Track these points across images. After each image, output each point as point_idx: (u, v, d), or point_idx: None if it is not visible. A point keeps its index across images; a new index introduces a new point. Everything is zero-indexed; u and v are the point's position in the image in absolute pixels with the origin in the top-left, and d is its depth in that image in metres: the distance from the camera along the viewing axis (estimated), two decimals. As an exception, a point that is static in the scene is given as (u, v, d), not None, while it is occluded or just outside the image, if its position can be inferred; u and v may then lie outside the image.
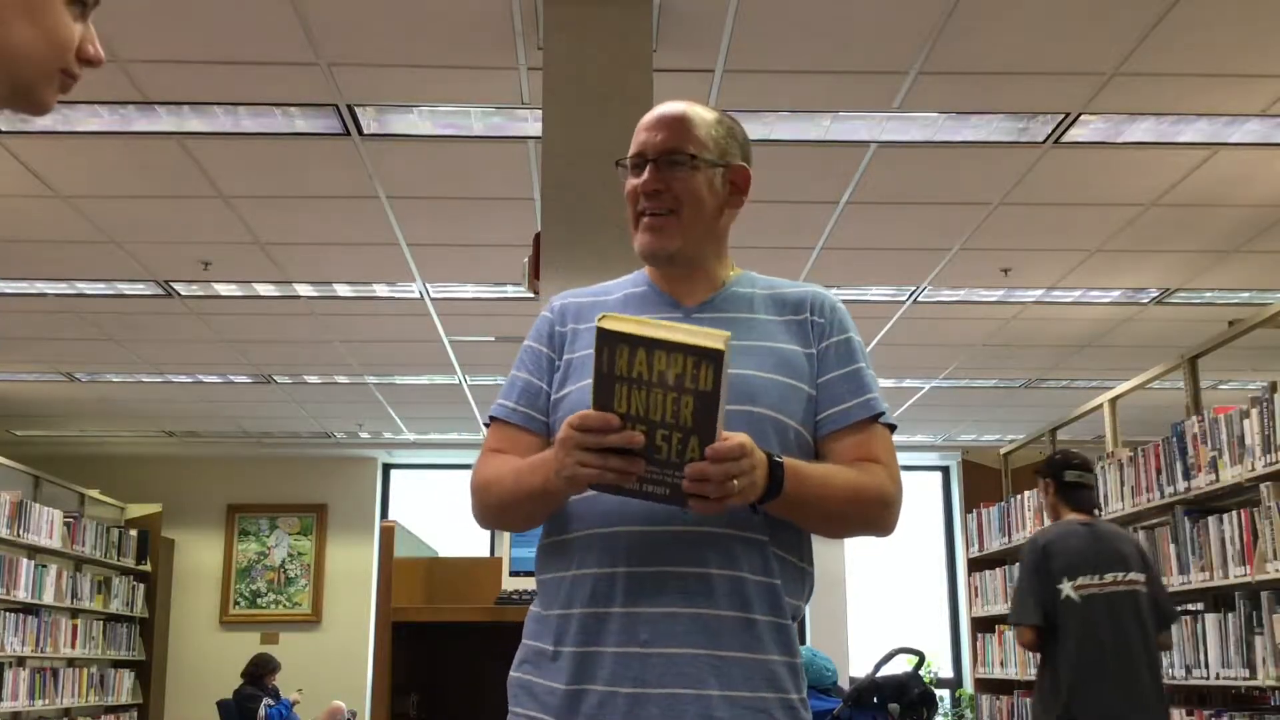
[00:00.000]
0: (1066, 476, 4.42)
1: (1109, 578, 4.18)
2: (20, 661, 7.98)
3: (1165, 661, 4.79)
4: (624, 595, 1.63)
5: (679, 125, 1.82)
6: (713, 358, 1.49)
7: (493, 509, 1.76)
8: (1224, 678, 4.37)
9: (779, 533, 1.71)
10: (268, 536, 11.83)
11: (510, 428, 1.79)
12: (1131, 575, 4.18)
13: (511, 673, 1.75)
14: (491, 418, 1.82)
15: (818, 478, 1.66)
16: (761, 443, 1.61)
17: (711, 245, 1.83)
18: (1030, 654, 6.28)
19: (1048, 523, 4.60)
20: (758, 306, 1.81)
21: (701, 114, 1.85)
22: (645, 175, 1.78)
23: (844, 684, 6.15)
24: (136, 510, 10.66)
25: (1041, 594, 4.23)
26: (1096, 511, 4.65)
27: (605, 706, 1.60)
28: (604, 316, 1.52)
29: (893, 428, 1.79)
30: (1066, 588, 4.20)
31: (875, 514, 1.72)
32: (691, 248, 1.79)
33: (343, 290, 7.11)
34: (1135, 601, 4.16)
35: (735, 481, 1.52)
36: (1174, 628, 4.74)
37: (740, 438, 1.53)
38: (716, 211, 1.81)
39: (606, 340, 1.52)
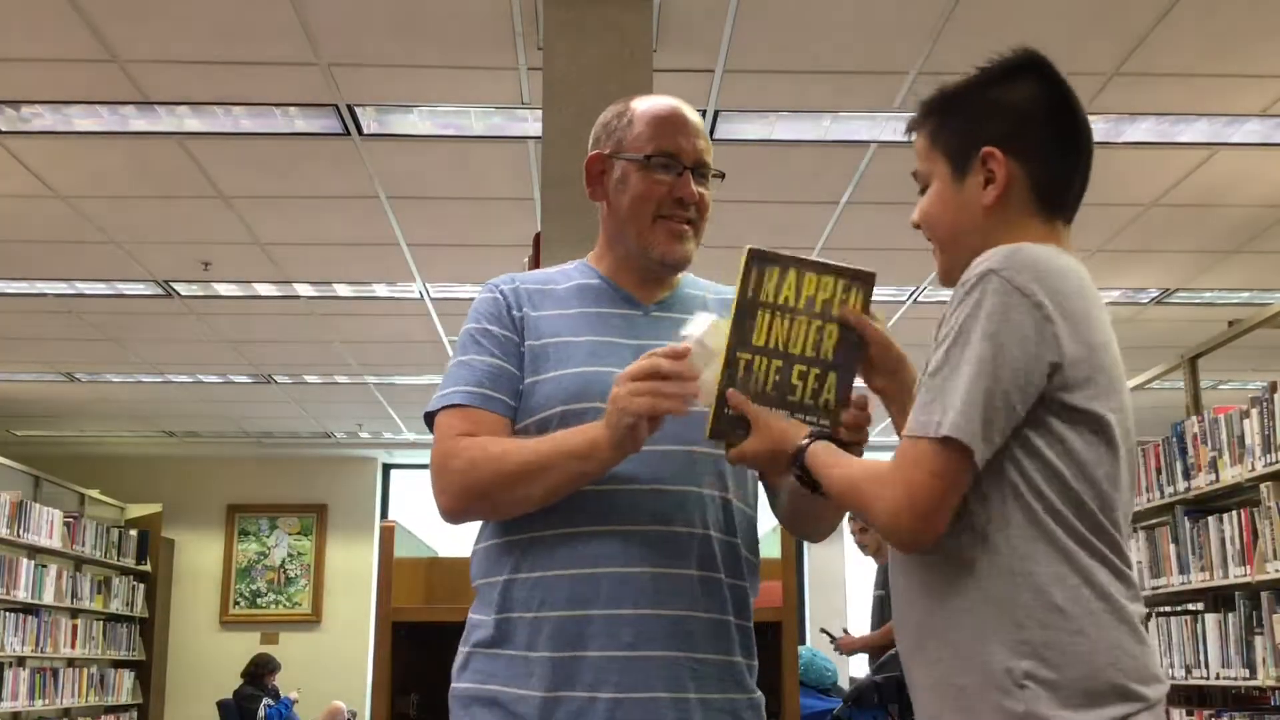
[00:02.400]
0: None
1: None
2: (20, 661, 7.97)
3: (1165, 661, 4.79)
4: (606, 597, 1.58)
5: (704, 134, 1.83)
6: (865, 281, 1.48)
7: (486, 485, 1.60)
8: (1224, 678, 4.37)
9: (747, 535, 1.72)
10: (268, 536, 11.82)
11: (479, 413, 1.66)
12: None
13: (459, 684, 1.66)
14: (451, 405, 1.67)
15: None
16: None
17: None
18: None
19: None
20: (710, 308, 1.78)
21: (702, 121, 1.86)
22: (684, 181, 1.76)
23: (844, 684, 6.16)
24: (136, 510, 10.66)
25: None
26: None
27: (584, 712, 1.55)
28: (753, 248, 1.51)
29: None
30: None
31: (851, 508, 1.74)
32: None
33: (343, 290, 7.11)
34: None
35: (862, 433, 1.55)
36: (1174, 627, 4.74)
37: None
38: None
39: (757, 260, 1.49)
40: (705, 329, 1.52)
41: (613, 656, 1.56)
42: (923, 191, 1.58)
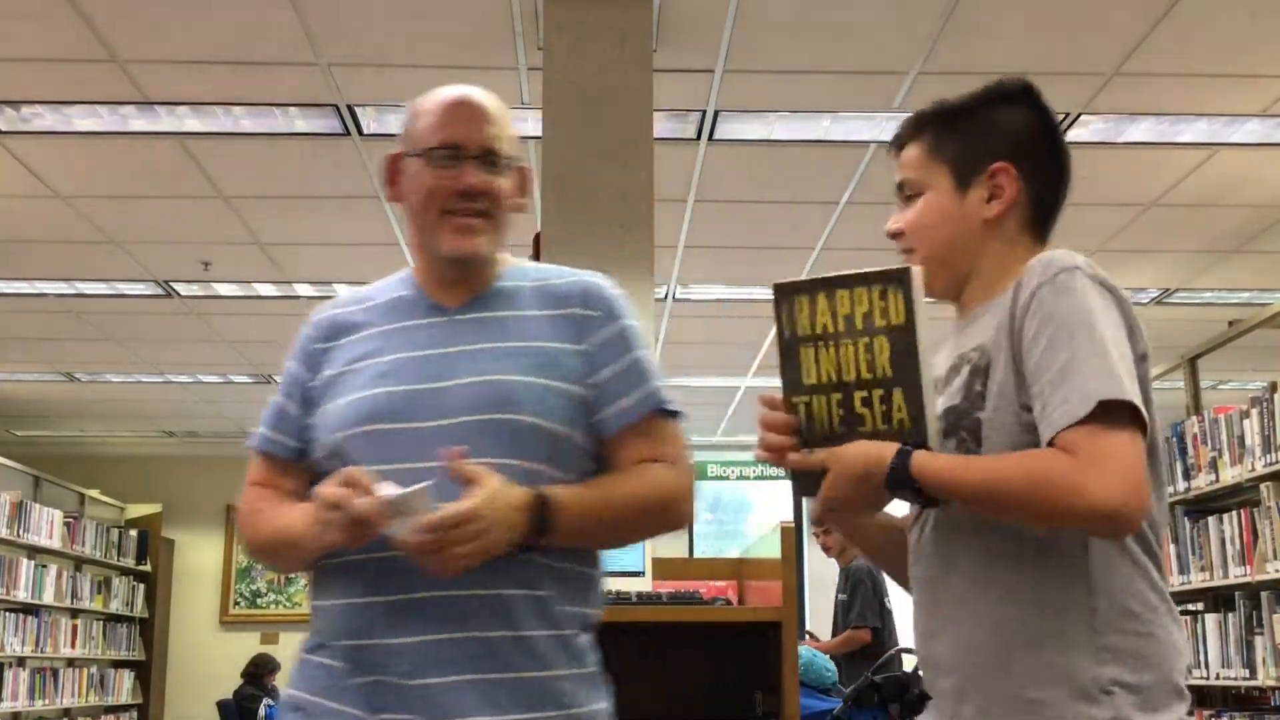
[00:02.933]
0: None
1: None
2: (20, 661, 7.97)
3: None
4: (384, 625, 1.52)
5: (495, 119, 1.68)
6: (900, 280, 1.35)
7: (251, 547, 1.67)
8: (1224, 678, 4.37)
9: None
10: (268, 536, 11.82)
11: (267, 458, 1.70)
12: None
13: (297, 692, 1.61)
14: (253, 448, 1.71)
15: (595, 502, 1.56)
16: (529, 454, 1.54)
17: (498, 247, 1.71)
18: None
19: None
20: (525, 302, 1.67)
21: (503, 108, 1.72)
22: (463, 172, 1.64)
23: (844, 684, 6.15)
24: (136, 510, 10.66)
25: None
26: None
27: None
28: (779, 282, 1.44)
29: (675, 415, 1.65)
30: None
31: (662, 519, 1.63)
32: (494, 254, 1.69)
33: (343, 290, 7.09)
34: None
35: (460, 549, 1.42)
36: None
37: (468, 505, 1.43)
38: (510, 214, 1.71)
39: (783, 295, 1.40)
40: (409, 493, 1.42)
41: (391, 684, 1.51)
42: (908, 200, 1.55)
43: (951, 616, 1.44)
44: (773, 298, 1.42)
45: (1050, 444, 1.34)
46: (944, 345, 1.57)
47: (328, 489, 1.48)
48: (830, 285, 1.38)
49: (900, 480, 1.37)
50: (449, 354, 1.60)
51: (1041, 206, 1.56)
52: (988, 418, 1.42)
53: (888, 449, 1.37)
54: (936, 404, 1.41)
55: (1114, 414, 1.30)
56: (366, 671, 1.52)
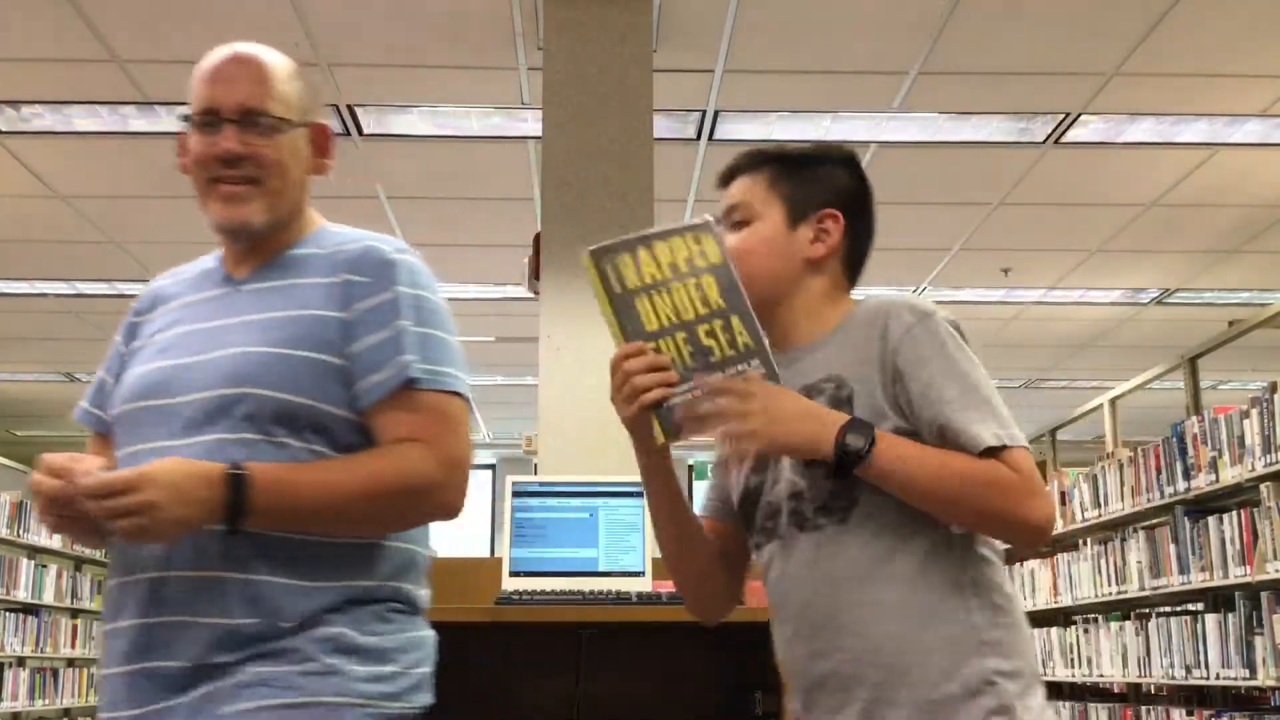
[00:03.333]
0: None
1: None
2: (20, 661, 7.97)
3: (1165, 661, 4.79)
4: (112, 609, 1.49)
5: (258, 78, 1.58)
6: (706, 228, 1.48)
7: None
8: (1224, 678, 4.37)
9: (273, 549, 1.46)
10: (268, 536, 11.82)
11: (90, 433, 1.66)
12: None
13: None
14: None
15: (311, 482, 1.45)
16: (268, 429, 1.46)
17: (289, 214, 1.63)
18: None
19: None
20: (310, 269, 1.59)
21: (278, 63, 1.62)
22: (222, 136, 1.55)
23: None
24: (136, 510, 10.65)
25: None
26: None
27: None
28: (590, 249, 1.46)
29: (456, 394, 1.54)
30: None
31: (409, 504, 1.49)
32: (274, 221, 1.60)
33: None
34: None
35: (126, 521, 1.36)
36: (1174, 627, 4.74)
37: (125, 474, 1.38)
38: (300, 180, 1.64)
39: (603, 257, 1.48)
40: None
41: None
42: (735, 226, 1.62)
43: (843, 634, 1.48)
44: (591, 262, 1.48)
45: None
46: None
47: (34, 476, 1.46)
48: (646, 240, 1.47)
49: (860, 432, 1.42)
50: (221, 327, 1.54)
51: (855, 256, 1.69)
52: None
53: (827, 413, 1.45)
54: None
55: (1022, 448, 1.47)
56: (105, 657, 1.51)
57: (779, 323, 1.61)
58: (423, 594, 1.58)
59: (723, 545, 1.65)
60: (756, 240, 1.61)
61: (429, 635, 1.56)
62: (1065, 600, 5.80)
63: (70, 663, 8.81)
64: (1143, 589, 4.94)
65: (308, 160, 1.65)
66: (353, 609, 1.47)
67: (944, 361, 1.48)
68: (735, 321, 1.46)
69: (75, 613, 8.89)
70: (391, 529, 1.52)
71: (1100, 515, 5.41)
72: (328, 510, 1.45)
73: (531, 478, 3.03)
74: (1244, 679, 4.23)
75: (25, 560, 8.01)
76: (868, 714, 1.46)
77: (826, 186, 1.67)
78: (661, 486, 1.56)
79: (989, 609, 1.48)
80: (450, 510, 1.51)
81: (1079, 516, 5.64)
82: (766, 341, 1.48)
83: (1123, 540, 5.18)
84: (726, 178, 1.67)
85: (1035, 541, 1.51)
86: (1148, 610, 5.27)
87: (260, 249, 1.61)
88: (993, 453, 1.42)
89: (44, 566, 8.32)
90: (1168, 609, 5.18)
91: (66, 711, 8.86)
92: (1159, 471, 4.87)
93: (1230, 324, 5.26)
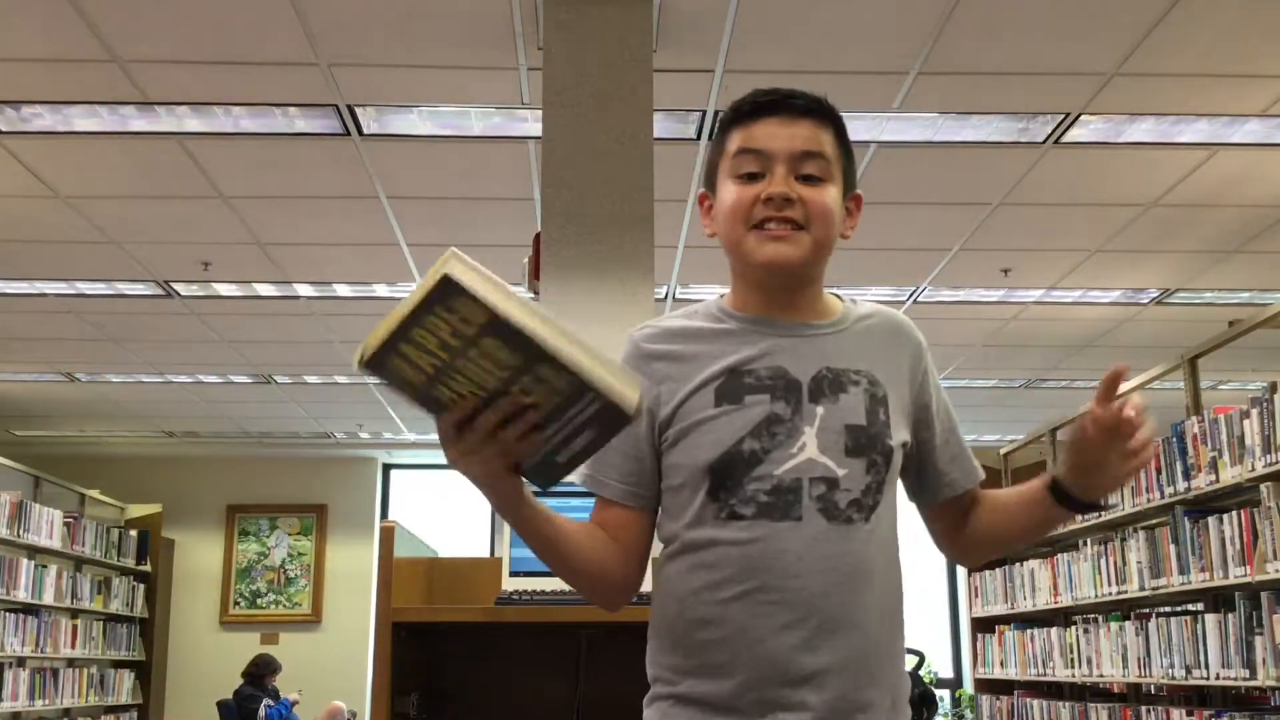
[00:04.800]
0: None
1: None
2: (20, 661, 7.97)
3: (1165, 661, 4.79)
4: None
5: None
6: (452, 289, 1.19)
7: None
8: (1224, 678, 4.37)
9: None
10: (268, 537, 11.82)
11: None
12: None
13: None
14: None
15: None
16: None
17: None
18: (1018, 646, 6.28)
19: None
20: None
21: None
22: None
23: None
24: (136, 510, 10.65)
25: None
26: None
27: None
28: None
29: None
30: None
31: None
32: None
33: (343, 290, 7.11)
34: None
35: None
36: (1174, 627, 4.74)
37: None
38: None
39: (378, 368, 1.28)
40: None
41: None
42: (808, 179, 1.51)
43: (852, 632, 1.43)
44: (372, 374, 1.28)
45: (965, 490, 1.60)
46: (753, 337, 1.53)
47: None
48: (404, 333, 1.23)
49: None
50: None
51: None
52: (895, 446, 1.50)
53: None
54: (580, 347, 1.26)
55: None
56: None
57: (806, 296, 1.54)
58: None
59: (619, 534, 1.52)
60: (833, 205, 1.52)
61: None
62: (1065, 600, 5.80)
63: (70, 663, 8.81)
64: (1143, 589, 4.94)
65: None
66: None
67: (945, 394, 1.62)
68: (546, 371, 1.23)
69: (75, 613, 8.89)
70: None
71: (1100, 515, 5.41)
72: None
73: (531, 478, 3.02)
74: (1244, 679, 4.23)
75: (25, 560, 8.02)
76: (838, 713, 1.41)
77: (855, 168, 1.62)
78: (535, 518, 1.45)
79: (902, 617, 1.54)
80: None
81: (1079, 516, 5.63)
82: (588, 370, 1.24)
83: (1123, 540, 5.18)
84: (797, 109, 1.53)
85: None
86: (1148, 610, 5.27)
87: None
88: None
89: (44, 566, 8.32)
90: (1168, 609, 5.18)
91: (66, 711, 8.85)
92: (1159, 471, 4.87)
93: (1230, 324, 5.26)
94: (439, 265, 1.19)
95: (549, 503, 1.50)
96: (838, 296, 1.60)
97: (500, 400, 1.26)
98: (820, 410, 1.46)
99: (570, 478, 1.45)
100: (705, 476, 1.46)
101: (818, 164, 1.50)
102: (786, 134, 1.51)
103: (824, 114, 1.55)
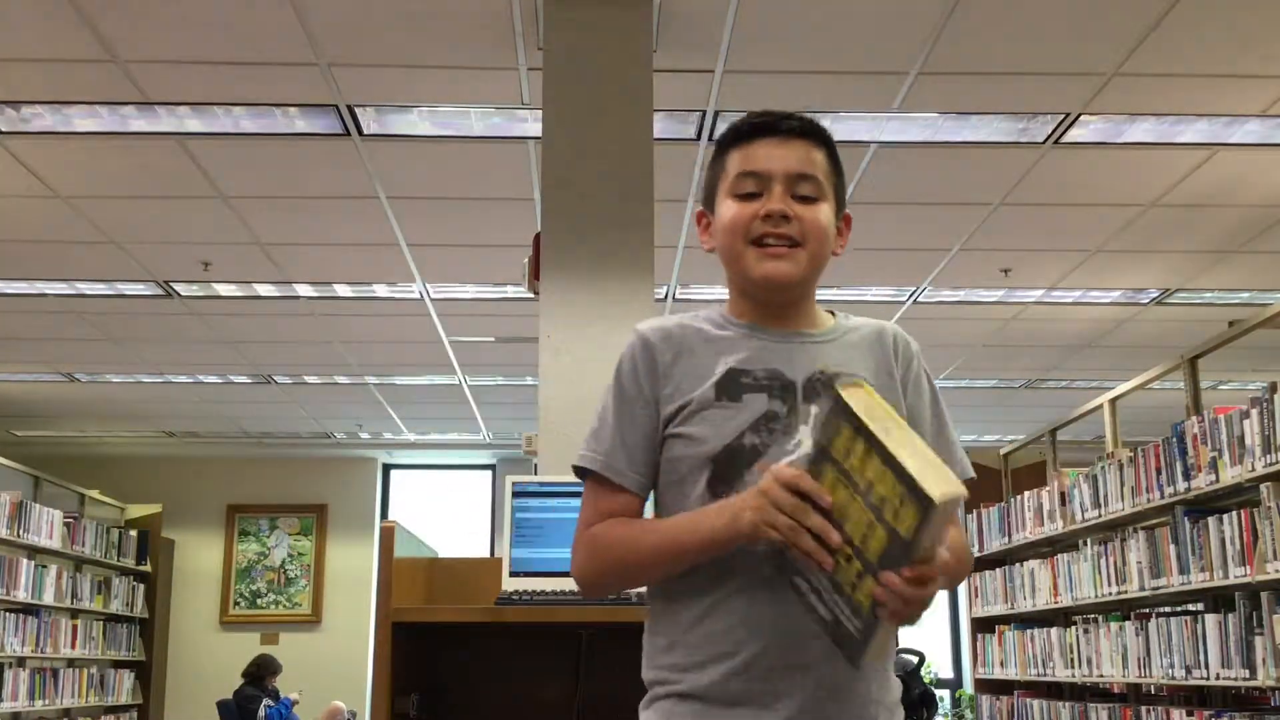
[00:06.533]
0: None
1: None
2: (20, 662, 7.97)
3: (1165, 661, 4.79)
4: None
5: None
6: (922, 501, 1.20)
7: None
8: (1224, 678, 4.37)
9: None
10: (268, 537, 11.82)
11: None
12: None
13: None
14: None
15: None
16: None
17: None
18: (1026, 649, 6.28)
19: (1047, 522, 4.52)
20: None
21: None
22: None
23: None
24: (136, 510, 10.65)
25: None
26: None
27: None
28: (847, 384, 1.34)
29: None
30: None
31: None
32: None
33: (343, 290, 7.11)
34: None
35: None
36: (1174, 627, 4.74)
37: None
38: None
39: (837, 410, 1.33)
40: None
41: None
42: (804, 199, 1.57)
43: (814, 658, 1.43)
44: (833, 396, 1.33)
45: None
46: (748, 345, 1.59)
47: None
48: (872, 443, 1.26)
49: None
50: None
51: None
52: None
53: None
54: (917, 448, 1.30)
55: None
56: None
57: (799, 308, 1.62)
58: None
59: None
60: (827, 223, 1.59)
61: None
62: (1065, 600, 5.80)
63: (70, 663, 8.81)
64: (1143, 589, 4.94)
65: None
66: None
67: (938, 395, 1.67)
68: (868, 584, 1.27)
69: (75, 613, 8.89)
70: None
71: (1100, 515, 5.41)
72: None
73: (531, 478, 3.03)
74: (1244, 679, 4.23)
75: (25, 560, 8.02)
76: (835, 690, 1.45)
77: (845, 186, 1.68)
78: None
79: None
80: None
81: (1079, 517, 5.64)
82: (916, 469, 1.24)
83: (1123, 540, 5.18)
84: (792, 131, 1.58)
85: None
86: (1148, 610, 5.27)
87: None
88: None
89: (44, 566, 8.32)
90: (1168, 609, 5.18)
91: (66, 711, 8.85)
92: (1159, 472, 4.87)
93: (1230, 324, 5.26)
94: (945, 482, 1.23)
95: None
96: (831, 311, 1.68)
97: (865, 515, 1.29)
98: (814, 409, 1.51)
99: (584, 465, 1.58)
100: (707, 467, 1.50)
101: (812, 184, 1.58)
102: (782, 154, 1.58)
103: (816, 135, 1.62)
